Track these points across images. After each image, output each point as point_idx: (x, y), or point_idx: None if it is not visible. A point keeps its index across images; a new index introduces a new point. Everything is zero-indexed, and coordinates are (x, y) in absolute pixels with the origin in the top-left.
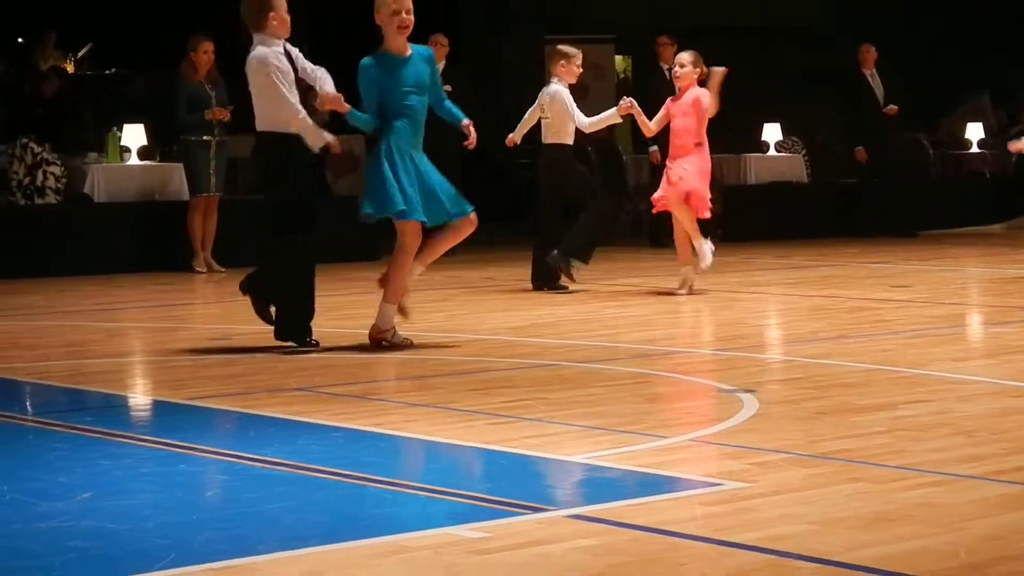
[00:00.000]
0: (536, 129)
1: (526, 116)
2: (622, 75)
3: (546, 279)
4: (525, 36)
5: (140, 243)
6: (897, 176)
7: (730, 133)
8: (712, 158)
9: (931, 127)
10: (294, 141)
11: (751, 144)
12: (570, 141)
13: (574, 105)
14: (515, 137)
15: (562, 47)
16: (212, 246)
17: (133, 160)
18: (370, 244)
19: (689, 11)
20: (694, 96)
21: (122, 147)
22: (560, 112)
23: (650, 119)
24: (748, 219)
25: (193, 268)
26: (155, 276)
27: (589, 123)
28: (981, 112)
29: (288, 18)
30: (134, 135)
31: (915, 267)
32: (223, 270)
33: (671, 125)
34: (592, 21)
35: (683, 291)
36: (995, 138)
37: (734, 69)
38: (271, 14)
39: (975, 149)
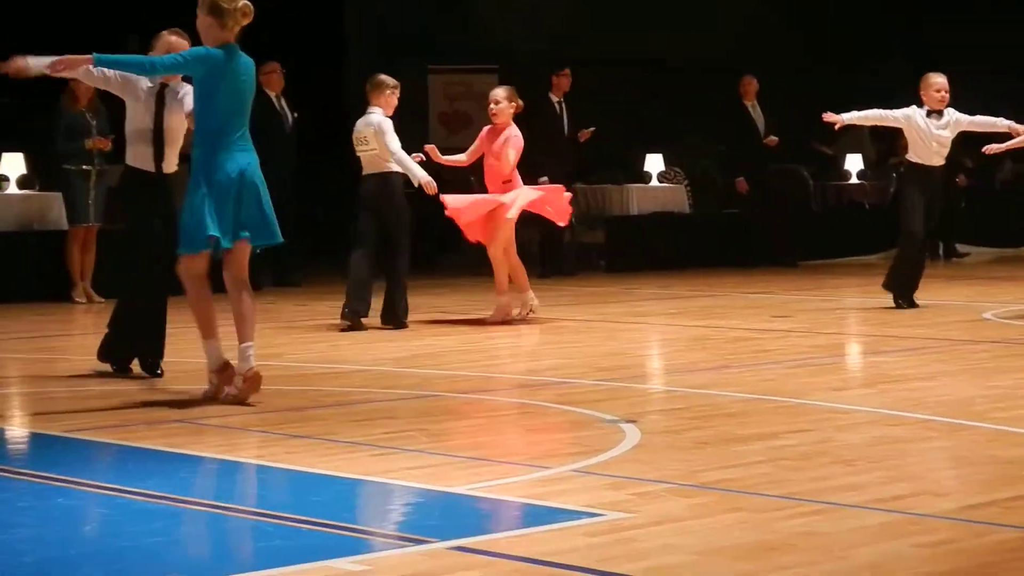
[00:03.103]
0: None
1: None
2: None
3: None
4: (410, 67)
5: (19, 273)
6: (777, 207)
7: (612, 164)
8: (595, 188)
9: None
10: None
11: (633, 175)
12: (398, 168)
13: (394, 134)
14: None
15: (385, 77)
16: (91, 276)
17: (12, 189)
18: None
19: (571, 41)
20: (504, 139)
21: (1, 176)
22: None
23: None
24: (631, 250)
25: (72, 298)
26: (34, 306)
27: (399, 158)
28: (860, 144)
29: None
30: (13, 164)
31: (795, 297)
32: (102, 300)
33: (484, 160)
34: (475, 51)
35: (523, 311)
36: (874, 170)
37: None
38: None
39: (854, 180)
